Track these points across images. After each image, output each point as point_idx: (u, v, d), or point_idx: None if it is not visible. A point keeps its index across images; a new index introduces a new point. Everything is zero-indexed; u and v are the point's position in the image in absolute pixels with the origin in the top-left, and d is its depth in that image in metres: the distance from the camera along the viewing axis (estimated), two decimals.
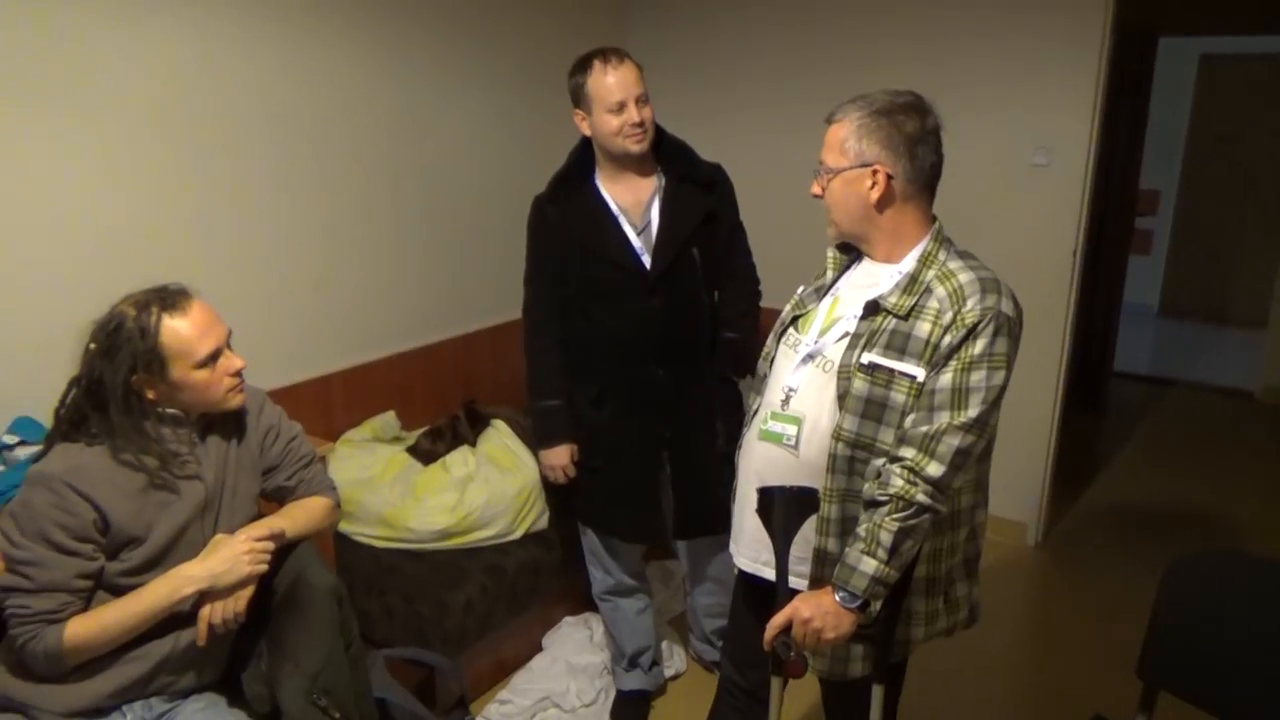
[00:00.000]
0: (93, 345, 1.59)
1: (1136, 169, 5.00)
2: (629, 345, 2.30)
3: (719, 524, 2.36)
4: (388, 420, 3.08)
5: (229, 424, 1.76)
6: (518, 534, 2.76)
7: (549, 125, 3.58)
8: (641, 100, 2.19)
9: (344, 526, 2.67)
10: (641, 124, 2.19)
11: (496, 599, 2.61)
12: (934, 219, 1.63)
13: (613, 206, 2.28)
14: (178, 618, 1.63)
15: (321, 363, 2.94)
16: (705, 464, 2.34)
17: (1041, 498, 3.63)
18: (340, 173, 2.93)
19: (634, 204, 2.29)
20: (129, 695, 1.63)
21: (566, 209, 2.31)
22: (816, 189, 1.63)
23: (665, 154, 2.31)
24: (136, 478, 1.60)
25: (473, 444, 2.95)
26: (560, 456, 2.42)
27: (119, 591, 1.60)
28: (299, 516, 1.82)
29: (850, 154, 1.56)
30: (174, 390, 1.61)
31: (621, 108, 2.17)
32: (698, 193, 2.31)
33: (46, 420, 1.68)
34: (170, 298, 1.62)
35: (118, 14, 2.30)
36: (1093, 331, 4.97)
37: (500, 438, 2.96)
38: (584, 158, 2.33)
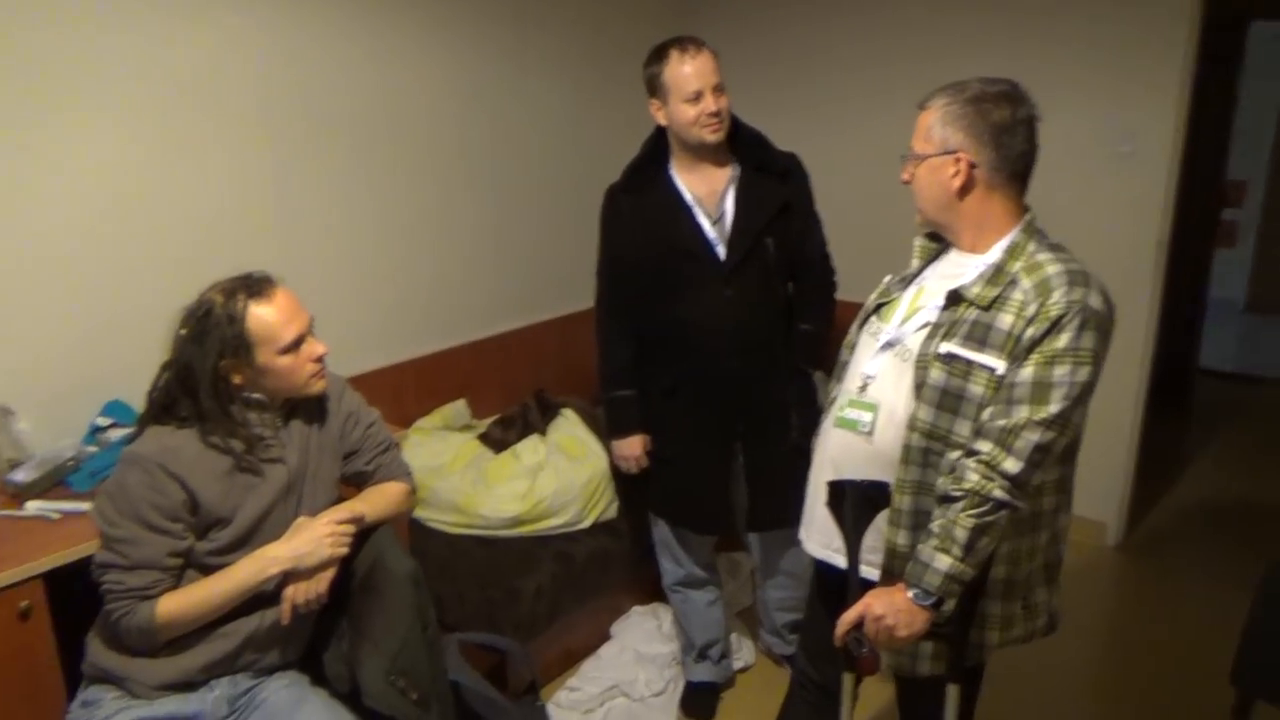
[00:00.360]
0: (183, 331, 1.63)
1: (1223, 159, 4.81)
2: (702, 337, 2.28)
3: (791, 517, 2.34)
4: (459, 408, 3.12)
5: (311, 409, 1.79)
6: (587, 523, 2.77)
7: (620, 115, 3.58)
8: (718, 89, 2.17)
9: (417, 512, 2.72)
10: (718, 113, 2.17)
11: (566, 586, 2.62)
12: (1026, 210, 1.59)
13: (687, 196, 2.27)
14: (263, 597, 1.67)
15: (395, 351, 2.99)
16: (779, 457, 2.32)
17: (1122, 497, 3.52)
18: (415, 164, 2.97)
19: (708, 194, 2.27)
20: (217, 670, 1.67)
21: (640, 199, 2.31)
22: (905, 175, 1.61)
23: (740, 143, 2.29)
24: (223, 460, 1.64)
25: (543, 433, 2.97)
26: (633, 447, 2.42)
27: (207, 570, 1.64)
28: (377, 501, 1.85)
29: (935, 141, 1.54)
30: (259, 375, 1.65)
31: (698, 97, 2.15)
32: (773, 182, 2.28)
33: (138, 404, 1.73)
34: (256, 285, 1.65)
35: (208, 9, 2.36)
36: (1177, 327, 4.79)
37: (570, 427, 2.97)
38: (658, 147, 2.32)
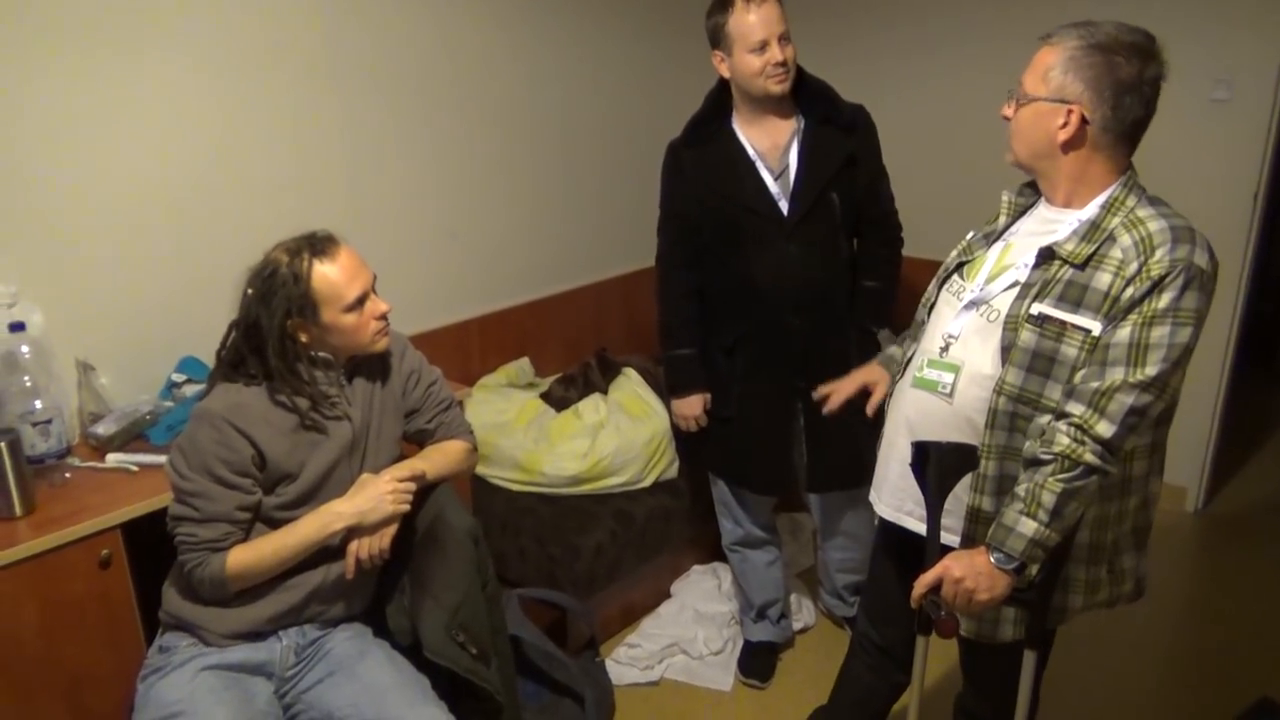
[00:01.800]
0: (249, 290, 1.66)
1: None
2: (764, 293, 2.25)
3: (853, 478, 2.31)
4: (523, 366, 3.14)
5: (374, 368, 1.81)
6: (648, 482, 2.78)
7: (679, 70, 3.51)
8: (784, 39, 2.11)
9: (480, 469, 2.75)
10: (784, 63, 2.11)
11: (626, 545, 2.64)
12: (1129, 168, 1.50)
13: (750, 150, 2.22)
14: (328, 551, 1.71)
15: (459, 309, 3.02)
16: (840, 417, 2.27)
17: (1205, 462, 3.39)
18: (477, 123, 2.96)
19: (771, 148, 2.22)
20: (285, 621, 1.72)
21: (702, 153, 2.27)
22: (1008, 111, 1.52)
23: (805, 95, 2.23)
24: (290, 417, 1.67)
25: (604, 392, 2.97)
26: (693, 406, 2.40)
27: (274, 524, 1.69)
28: (438, 459, 1.87)
29: (1051, 84, 1.44)
30: (325, 333, 1.67)
31: (764, 47, 2.09)
32: (838, 135, 2.21)
33: (211, 360, 1.77)
34: (319, 244, 1.67)
35: None
36: (1270, 286, 4.55)
37: (631, 386, 2.97)
38: (720, 100, 2.26)
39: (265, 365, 1.65)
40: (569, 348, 3.31)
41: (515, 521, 2.62)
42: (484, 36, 2.92)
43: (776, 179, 2.21)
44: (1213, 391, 3.28)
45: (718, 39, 2.16)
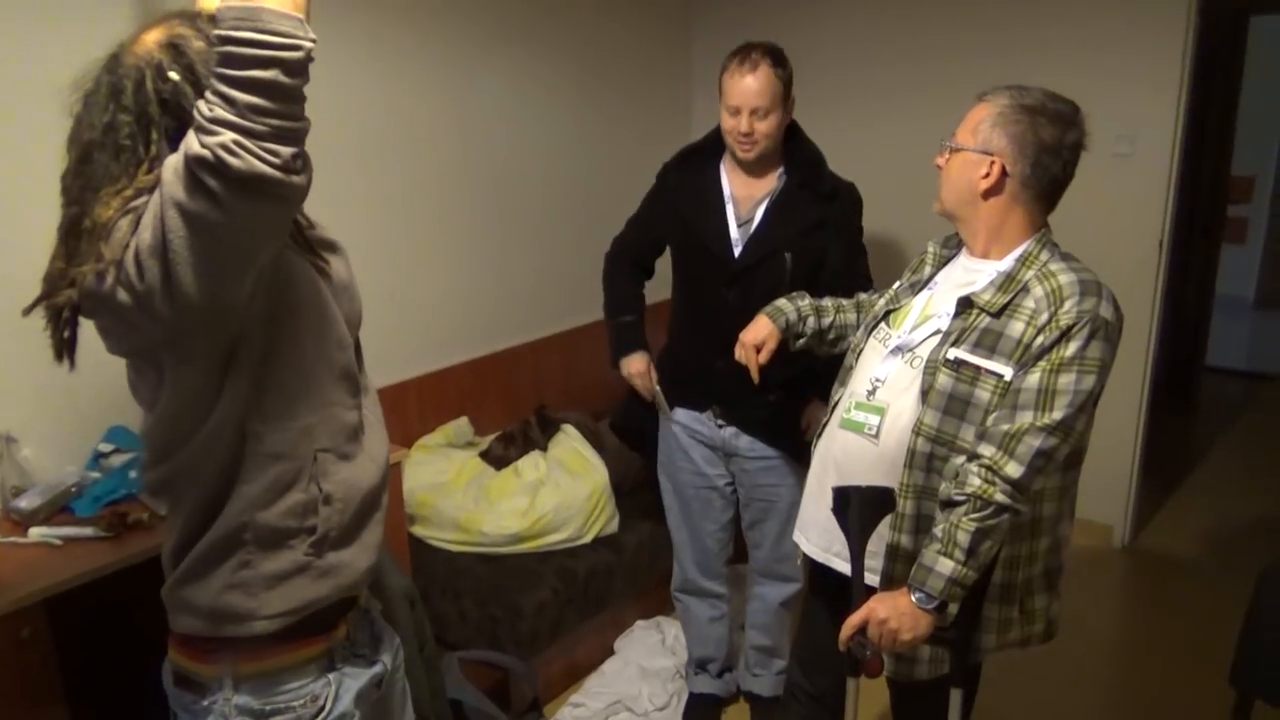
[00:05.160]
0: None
1: (1227, 155, 4.79)
2: (698, 331, 2.32)
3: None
4: (461, 426, 3.14)
5: None
6: (588, 538, 2.78)
7: (619, 132, 3.60)
8: (759, 113, 2.16)
9: (419, 530, 2.73)
10: (749, 134, 2.17)
11: (568, 602, 2.63)
12: (1044, 225, 1.60)
13: (725, 192, 2.30)
14: None
15: (397, 370, 3.01)
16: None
17: (1128, 498, 3.51)
18: (414, 183, 2.99)
19: (746, 196, 2.29)
20: None
21: (684, 180, 2.37)
22: (940, 160, 1.63)
23: (795, 158, 2.28)
24: None
25: (544, 448, 2.99)
26: (638, 364, 2.43)
27: None
28: None
29: (980, 137, 1.56)
30: None
31: (736, 112, 2.17)
32: (813, 200, 2.25)
33: (139, 429, 1.75)
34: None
35: None
36: (1183, 325, 4.77)
37: (570, 442, 2.98)
38: (718, 137, 2.32)
39: None
40: (508, 405, 3.32)
41: (455, 583, 2.60)
42: (420, 95, 2.96)
43: (740, 226, 2.28)
44: (1132, 429, 3.41)
45: (718, 87, 2.25)
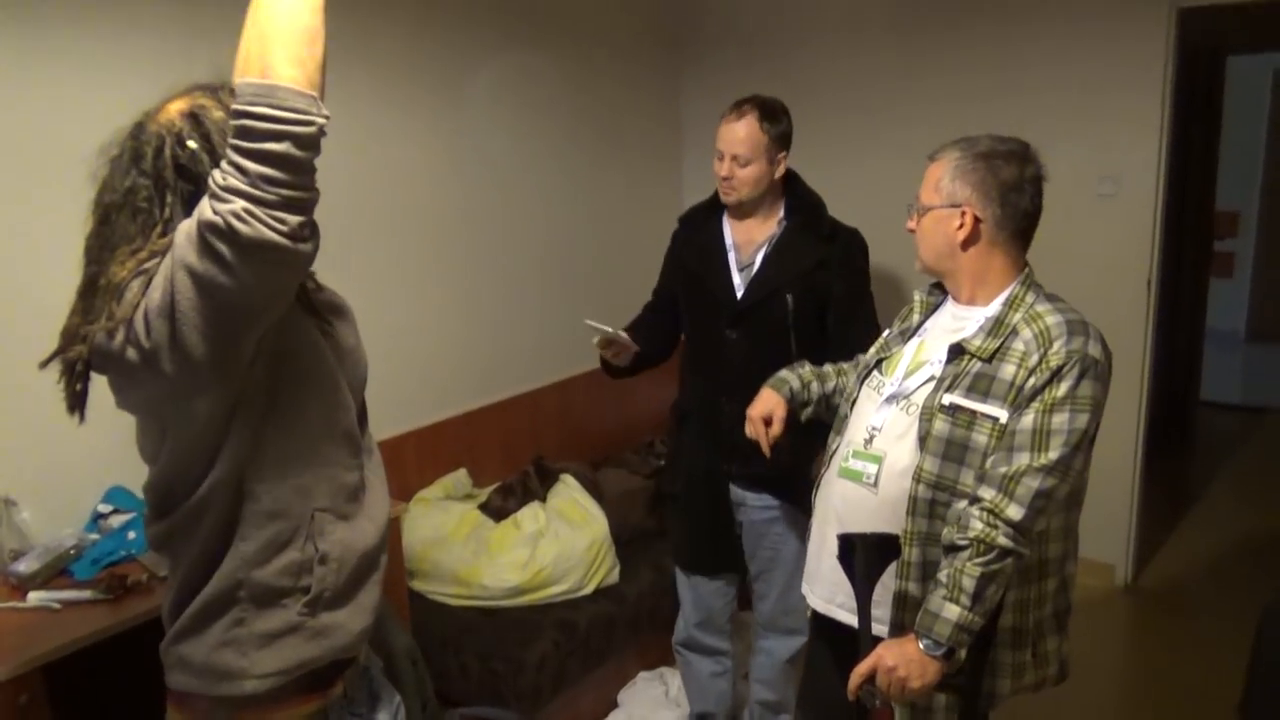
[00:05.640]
0: (189, 143, 1.46)
1: (1211, 191, 4.86)
2: (707, 372, 2.37)
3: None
4: (459, 478, 3.14)
5: None
6: (589, 589, 2.77)
7: (612, 184, 3.65)
8: (739, 159, 2.24)
9: (418, 585, 2.72)
10: (729, 179, 2.26)
11: (570, 655, 2.61)
12: (1025, 265, 1.63)
13: (728, 239, 2.37)
14: None
15: (395, 423, 3.01)
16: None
17: (1129, 537, 3.50)
18: (410, 237, 3.02)
19: (746, 242, 2.35)
20: None
21: (691, 233, 2.46)
22: (911, 224, 1.66)
23: (795, 203, 2.35)
24: None
25: (543, 499, 2.98)
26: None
27: None
28: None
29: (943, 193, 1.59)
30: None
31: (721, 157, 2.27)
32: (813, 242, 2.30)
33: (138, 490, 1.74)
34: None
35: None
36: (1175, 361, 4.80)
37: (569, 492, 2.98)
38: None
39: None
40: (506, 457, 3.32)
41: (456, 638, 2.58)
42: (418, 150, 3.01)
43: (741, 270, 2.33)
44: (1130, 466, 3.41)
45: None
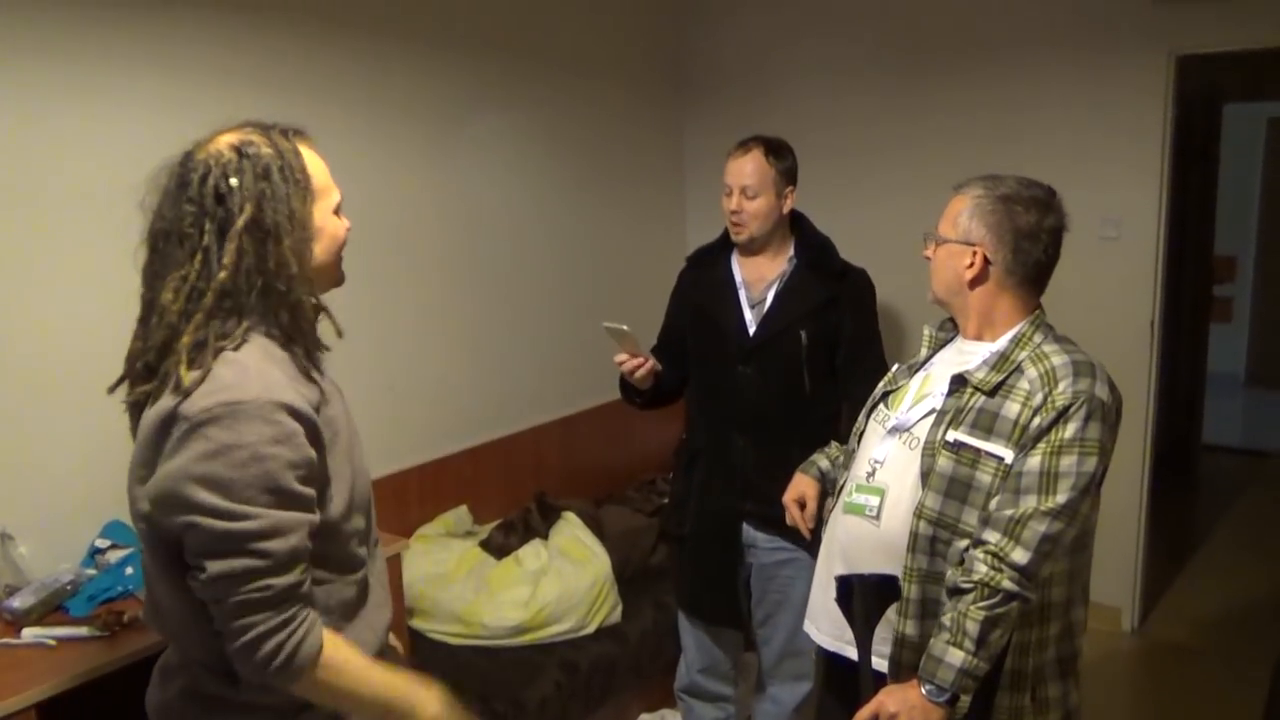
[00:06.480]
0: (231, 180, 1.24)
1: (1210, 237, 4.90)
2: (718, 410, 2.35)
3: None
4: (460, 515, 3.11)
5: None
6: (591, 628, 2.73)
7: (614, 221, 3.67)
8: (747, 191, 2.25)
9: (418, 623, 2.68)
10: (738, 213, 2.27)
11: (572, 696, 2.57)
12: (1037, 308, 1.63)
13: (738, 277, 2.37)
14: None
15: (397, 459, 3.00)
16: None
17: (1135, 580, 3.46)
18: (414, 272, 3.03)
19: (757, 280, 2.35)
20: None
21: (699, 274, 2.46)
22: (927, 252, 1.67)
23: (804, 243, 2.36)
24: (313, 389, 1.33)
25: (544, 536, 2.95)
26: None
27: (337, 548, 1.26)
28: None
29: (960, 228, 1.59)
30: (307, 246, 1.34)
31: (730, 192, 2.27)
32: (823, 279, 2.31)
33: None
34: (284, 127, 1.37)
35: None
36: (1177, 404, 4.80)
37: (571, 530, 2.95)
38: (726, 232, 2.39)
39: (282, 304, 1.22)
40: (508, 493, 3.30)
41: (455, 678, 2.51)
42: (420, 187, 3.02)
43: (753, 308, 2.33)
44: (1135, 510, 3.39)
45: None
